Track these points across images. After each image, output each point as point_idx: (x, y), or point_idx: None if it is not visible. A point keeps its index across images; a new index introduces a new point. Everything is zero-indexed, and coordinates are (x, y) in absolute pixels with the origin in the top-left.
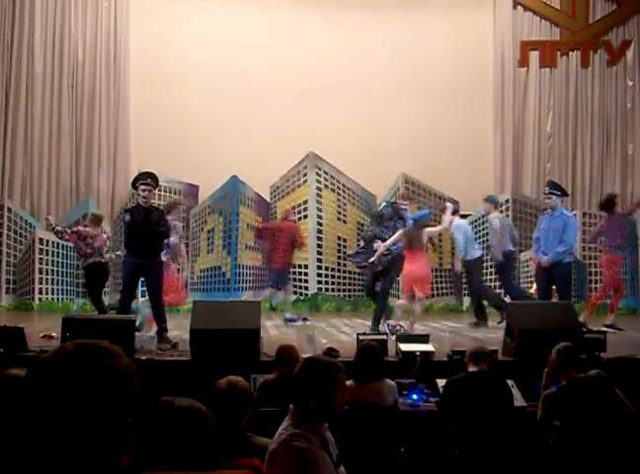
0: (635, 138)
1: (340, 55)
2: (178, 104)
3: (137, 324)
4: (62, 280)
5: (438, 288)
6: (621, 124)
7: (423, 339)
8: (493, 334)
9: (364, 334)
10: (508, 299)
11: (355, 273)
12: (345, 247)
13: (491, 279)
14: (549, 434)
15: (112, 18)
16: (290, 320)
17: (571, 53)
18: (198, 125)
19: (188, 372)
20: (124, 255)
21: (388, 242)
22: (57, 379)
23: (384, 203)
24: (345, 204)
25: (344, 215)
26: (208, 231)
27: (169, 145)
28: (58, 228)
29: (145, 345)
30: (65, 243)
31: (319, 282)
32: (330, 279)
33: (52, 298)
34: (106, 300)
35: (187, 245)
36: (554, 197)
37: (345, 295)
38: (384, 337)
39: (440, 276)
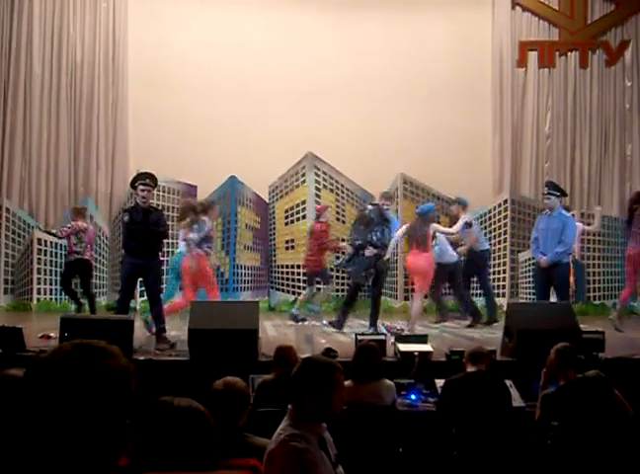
0: (633, 139)
1: (339, 56)
2: (176, 105)
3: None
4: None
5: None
6: (620, 125)
7: (421, 339)
8: (491, 334)
9: (363, 334)
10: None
11: None
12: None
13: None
14: (547, 434)
15: (110, 19)
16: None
17: (569, 54)
18: (197, 127)
19: (186, 373)
20: (123, 255)
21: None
22: (55, 379)
23: (369, 207)
24: (344, 205)
25: (342, 216)
26: None
27: (168, 146)
28: (53, 231)
29: (144, 345)
30: (64, 243)
31: (318, 282)
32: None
33: (51, 298)
34: (104, 300)
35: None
36: (553, 197)
37: (344, 295)
38: (383, 337)
39: None
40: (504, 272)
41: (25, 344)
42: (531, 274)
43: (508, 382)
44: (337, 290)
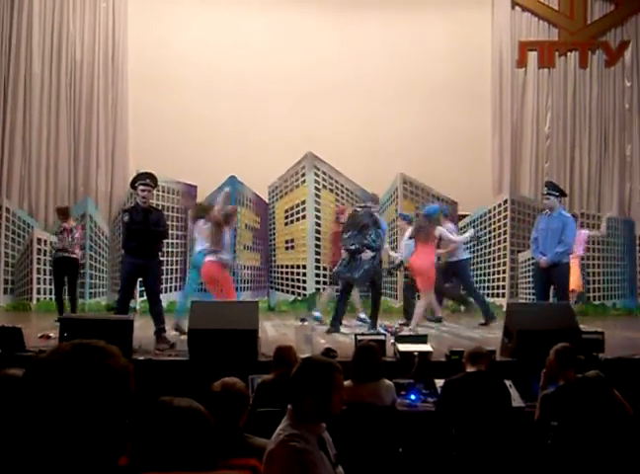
0: (633, 139)
1: (339, 56)
2: (176, 105)
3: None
4: None
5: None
6: (619, 125)
7: (421, 339)
8: (491, 334)
9: (362, 334)
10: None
11: None
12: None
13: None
14: (547, 434)
15: (110, 18)
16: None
17: (569, 54)
18: (197, 127)
19: (186, 373)
20: (123, 255)
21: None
22: (55, 379)
23: (359, 210)
24: (343, 205)
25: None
26: None
27: (168, 146)
28: (60, 246)
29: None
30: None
31: (317, 282)
32: (328, 279)
33: (50, 298)
34: (104, 300)
35: (185, 245)
36: (552, 197)
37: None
38: (382, 337)
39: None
40: (503, 272)
41: (24, 344)
42: (531, 274)
43: (507, 382)
44: (337, 291)
